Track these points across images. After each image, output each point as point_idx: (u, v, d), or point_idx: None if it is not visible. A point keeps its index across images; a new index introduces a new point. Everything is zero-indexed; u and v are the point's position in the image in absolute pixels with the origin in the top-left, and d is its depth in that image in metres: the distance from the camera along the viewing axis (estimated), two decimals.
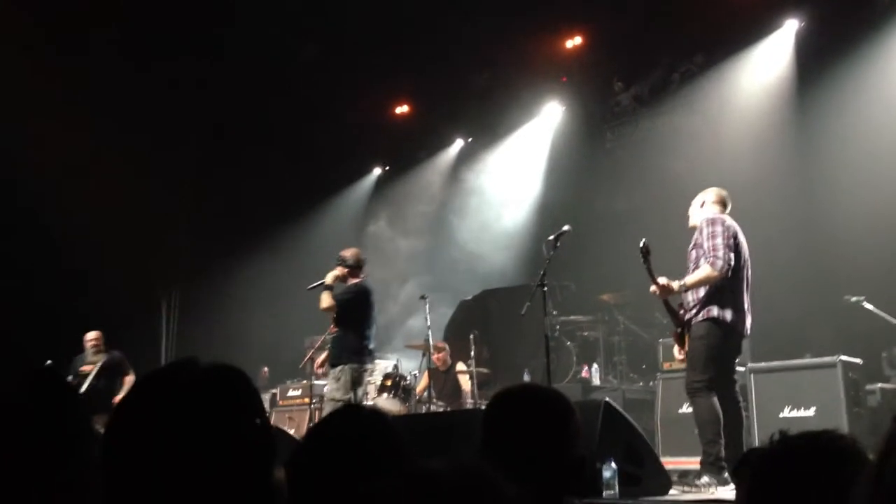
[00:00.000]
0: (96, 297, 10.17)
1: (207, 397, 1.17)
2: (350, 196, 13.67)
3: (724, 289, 5.30)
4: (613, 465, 4.30)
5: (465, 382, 9.43)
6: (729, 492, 4.83)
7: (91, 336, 8.69)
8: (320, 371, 7.78)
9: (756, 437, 6.08)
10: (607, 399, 4.87)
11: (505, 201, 11.84)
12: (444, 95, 11.59)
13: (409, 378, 8.76)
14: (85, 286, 10.24)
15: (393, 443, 1.73)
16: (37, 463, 1.28)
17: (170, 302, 12.37)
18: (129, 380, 8.47)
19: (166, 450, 1.12)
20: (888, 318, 6.90)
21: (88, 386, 8.22)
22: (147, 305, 11.76)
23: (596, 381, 9.18)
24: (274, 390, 10.73)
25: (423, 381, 9.26)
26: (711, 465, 5.08)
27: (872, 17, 8.53)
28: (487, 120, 11.90)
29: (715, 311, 5.28)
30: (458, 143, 12.77)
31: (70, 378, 8.41)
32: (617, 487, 4.29)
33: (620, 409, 4.93)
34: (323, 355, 7.98)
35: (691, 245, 5.49)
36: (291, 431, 8.35)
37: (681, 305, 5.52)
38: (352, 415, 1.85)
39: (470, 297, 11.65)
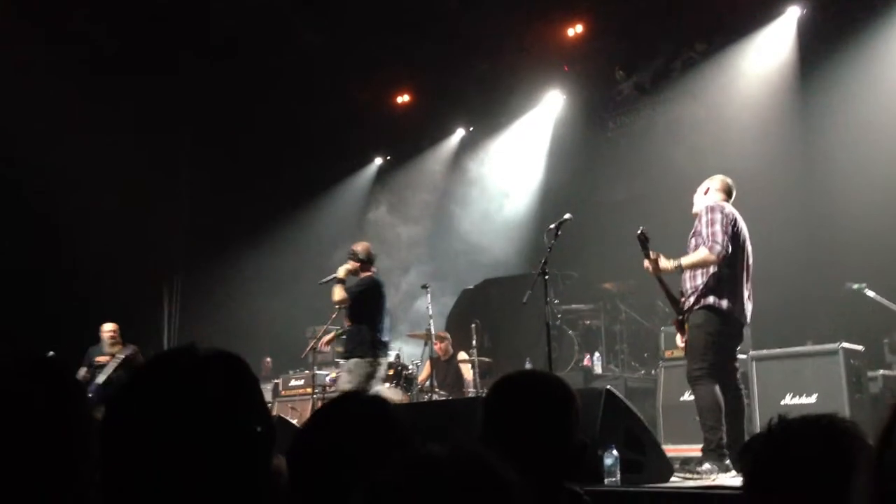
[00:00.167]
0: (97, 286, 10.18)
1: (206, 384, 1.17)
2: (352, 185, 13.66)
3: (723, 277, 5.30)
4: (615, 452, 4.31)
5: (467, 371, 9.45)
6: (730, 479, 4.84)
7: (109, 327, 8.73)
8: (327, 349, 7.79)
9: (758, 424, 6.09)
10: (608, 387, 4.87)
11: (506, 190, 11.84)
12: (446, 85, 11.57)
13: (410, 367, 8.77)
14: (86, 276, 10.24)
15: (393, 429, 1.73)
16: (37, 453, 1.27)
17: (171, 292, 12.38)
18: None
19: (164, 436, 1.12)
20: (890, 304, 6.90)
21: (107, 378, 8.24)
22: (149, 295, 11.77)
23: (598, 369, 9.20)
24: (277, 380, 10.75)
25: (425, 371, 9.28)
26: (713, 452, 5.08)
27: (874, 2, 8.50)
28: (489, 109, 11.88)
29: (712, 299, 5.28)
30: (460, 133, 12.75)
31: (85, 368, 8.50)
32: (618, 474, 4.30)
33: (622, 397, 4.93)
34: (329, 336, 8.01)
35: (692, 232, 5.48)
36: (294, 421, 8.37)
37: (681, 293, 5.53)
38: (352, 402, 1.85)
39: (472, 287, 11.65)
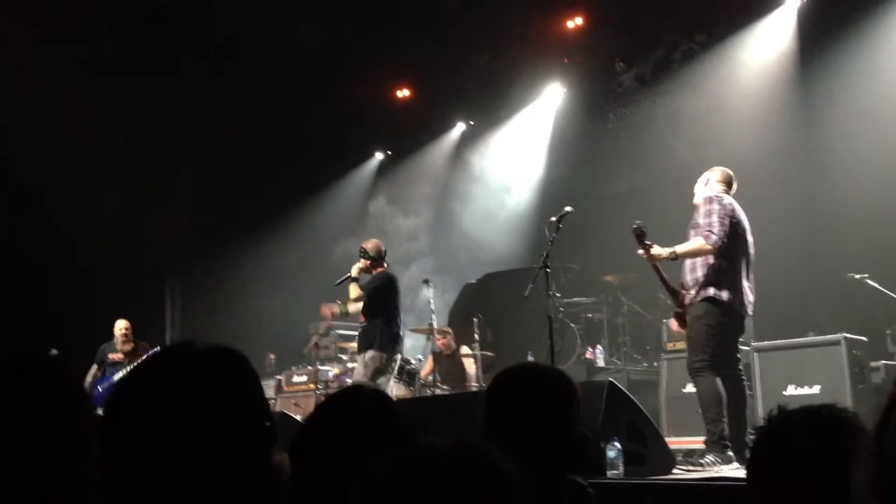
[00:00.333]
0: (98, 286, 10.19)
1: (206, 379, 1.17)
2: (353, 181, 13.66)
3: (722, 268, 5.29)
4: (618, 444, 4.31)
5: (470, 366, 9.46)
6: (733, 470, 4.84)
7: (122, 324, 8.78)
8: (328, 314, 7.79)
9: (760, 415, 6.08)
10: (611, 379, 4.87)
11: (507, 183, 11.83)
12: (446, 79, 11.56)
13: (413, 362, 8.78)
14: (86, 275, 10.25)
15: (395, 424, 1.74)
16: (37, 453, 1.27)
17: (173, 291, 12.39)
18: None
19: (164, 432, 1.12)
20: (892, 294, 6.89)
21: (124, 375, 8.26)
22: (150, 294, 11.78)
23: (600, 362, 9.20)
24: (279, 377, 10.76)
25: (428, 365, 9.30)
26: (715, 444, 5.08)
27: None
28: (489, 102, 11.86)
29: (712, 290, 5.27)
30: (461, 127, 12.74)
31: (96, 365, 8.54)
32: (621, 467, 4.30)
33: (624, 389, 4.94)
34: (335, 307, 7.99)
35: (691, 224, 5.47)
36: (297, 417, 8.38)
37: (682, 286, 5.52)
38: (353, 396, 1.85)
39: (474, 281, 11.66)
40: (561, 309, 9.50)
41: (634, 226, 5.36)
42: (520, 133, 11.93)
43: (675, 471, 4.83)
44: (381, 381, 7.22)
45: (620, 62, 10.59)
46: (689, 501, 3.96)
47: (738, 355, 5.49)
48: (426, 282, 8.54)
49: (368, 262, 7.47)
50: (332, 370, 9.91)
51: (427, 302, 8.60)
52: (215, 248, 11.83)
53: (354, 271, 7.43)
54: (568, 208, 6.24)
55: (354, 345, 9.93)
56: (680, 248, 5.34)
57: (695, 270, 5.37)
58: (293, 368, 10.69)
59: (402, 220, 12.07)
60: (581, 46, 10.80)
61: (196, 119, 11.74)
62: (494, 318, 10.44)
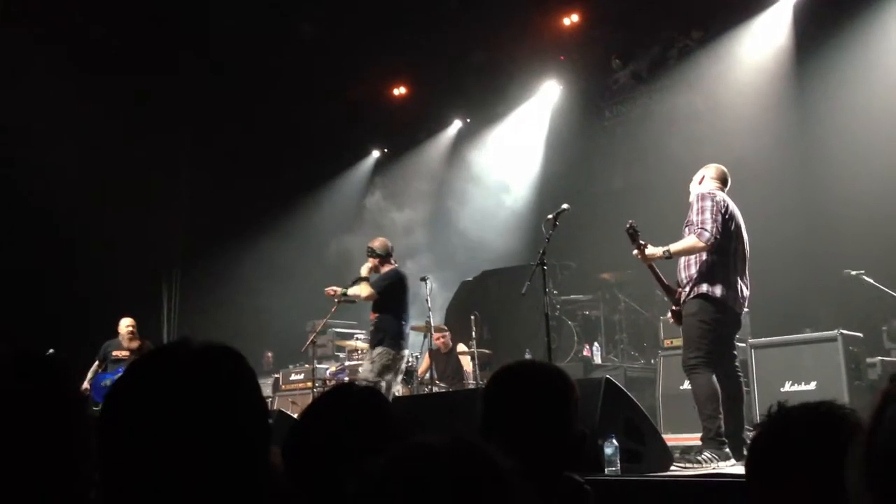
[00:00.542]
0: (97, 285, 10.19)
1: (202, 377, 1.17)
2: (349, 179, 13.66)
3: (716, 265, 5.29)
4: (615, 441, 4.32)
5: (467, 363, 9.46)
6: (730, 467, 4.85)
7: (127, 322, 8.79)
8: (332, 294, 7.76)
9: (757, 412, 6.10)
10: (608, 376, 4.88)
11: (504, 181, 11.83)
12: (443, 76, 11.55)
13: (410, 360, 8.78)
14: (86, 275, 10.25)
15: (388, 420, 1.74)
16: (36, 453, 1.27)
17: (171, 289, 12.39)
18: None
19: (162, 431, 1.11)
20: (888, 291, 6.91)
21: None
22: (148, 293, 11.77)
23: (597, 359, 9.21)
24: (277, 375, 10.76)
25: (425, 363, 9.30)
26: (712, 441, 5.09)
27: None
28: (486, 100, 11.86)
29: (705, 287, 5.28)
30: (457, 124, 12.73)
31: (98, 361, 8.54)
32: (619, 464, 4.31)
33: (621, 387, 4.94)
34: (338, 289, 7.95)
35: (685, 222, 5.48)
36: (295, 416, 8.37)
37: (677, 284, 5.53)
38: (344, 394, 1.85)
39: (471, 278, 11.66)
40: (558, 306, 9.51)
41: (627, 225, 5.37)
42: (516, 130, 11.93)
43: (672, 468, 4.84)
44: (388, 378, 7.25)
45: (617, 59, 10.59)
46: (687, 498, 3.96)
47: (735, 352, 5.50)
48: (424, 279, 8.53)
49: (377, 260, 7.54)
50: (329, 368, 9.91)
51: (424, 299, 8.60)
52: (213, 247, 11.84)
53: (364, 271, 7.50)
54: (565, 205, 6.24)
55: (351, 342, 9.97)
56: (674, 247, 5.35)
57: (689, 268, 5.39)
58: (291, 367, 10.69)
59: (396, 213, 12.06)
60: (577, 43, 10.80)
61: (196, 119, 11.74)
62: (491, 315, 10.44)
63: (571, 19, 10.52)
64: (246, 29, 10.26)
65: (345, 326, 10.80)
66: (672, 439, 6.13)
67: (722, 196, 5.42)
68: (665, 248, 5.35)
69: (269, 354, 12.10)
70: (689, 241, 5.29)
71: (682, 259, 5.43)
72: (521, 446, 1.73)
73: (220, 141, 11.80)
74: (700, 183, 5.62)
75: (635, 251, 5.41)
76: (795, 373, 6.42)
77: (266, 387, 10.20)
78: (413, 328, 9.79)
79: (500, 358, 9.46)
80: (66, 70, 9.59)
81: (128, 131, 10.25)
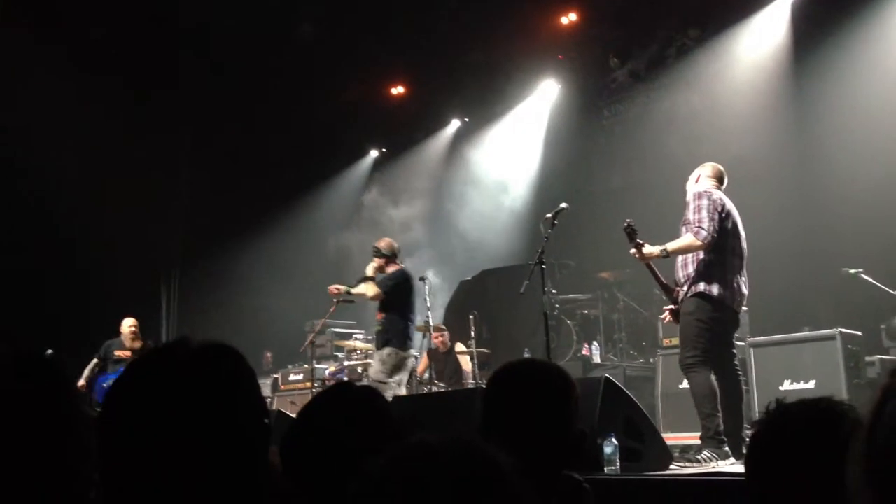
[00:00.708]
0: (97, 285, 10.19)
1: (201, 377, 1.16)
2: (348, 178, 13.66)
3: (712, 264, 5.29)
4: (614, 440, 4.32)
5: (466, 363, 9.46)
6: (729, 466, 4.85)
7: (130, 322, 8.81)
8: (335, 292, 7.76)
9: (756, 410, 6.10)
10: (607, 376, 4.88)
11: (502, 180, 11.83)
12: (441, 75, 11.55)
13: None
14: (86, 275, 10.24)
15: (386, 419, 1.74)
16: (36, 453, 1.27)
17: (170, 289, 12.38)
18: None
19: (161, 431, 1.11)
20: (887, 289, 6.91)
21: None
22: (147, 293, 11.77)
23: (596, 358, 9.21)
24: (276, 375, 10.76)
25: (423, 363, 9.29)
26: (711, 440, 5.09)
27: None
28: (484, 99, 11.86)
29: (702, 286, 5.28)
30: (455, 124, 12.73)
31: (96, 360, 8.54)
32: (618, 463, 4.31)
33: (621, 386, 4.94)
34: (341, 287, 7.94)
35: (682, 221, 5.48)
36: (293, 416, 8.36)
37: (675, 283, 5.53)
38: (341, 393, 1.86)
39: (469, 278, 11.66)
40: (556, 305, 9.51)
41: (625, 224, 5.37)
42: (515, 129, 11.94)
43: (671, 467, 4.84)
44: (397, 377, 7.24)
45: (614, 58, 10.59)
46: (686, 497, 3.97)
47: (734, 351, 5.49)
48: (423, 279, 8.54)
49: (383, 260, 7.51)
50: (328, 368, 9.91)
51: (423, 299, 8.60)
52: (213, 247, 11.85)
53: (370, 271, 7.47)
54: (563, 205, 6.24)
55: (350, 342, 9.97)
56: (671, 245, 5.35)
57: (686, 267, 5.39)
58: (290, 367, 10.69)
59: (394, 210, 12.05)
60: (575, 42, 10.80)
61: (196, 119, 11.74)
62: (490, 314, 10.45)
63: (569, 18, 10.52)
64: (246, 29, 10.26)
65: (344, 326, 10.80)
66: (671, 438, 6.13)
67: (719, 194, 5.42)
68: (662, 247, 5.35)
69: (269, 354, 12.10)
70: (686, 239, 5.28)
71: (680, 258, 5.43)
72: (520, 445, 1.72)
73: (219, 141, 11.80)
74: (696, 181, 5.61)
75: (633, 250, 5.41)
76: (794, 371, 6.42)
77: (265, 387, 10.19)
78: None
79: (498, 357, 9.46)
80: (66, 70, 9.60)
81: (128, 131, 10.25)
